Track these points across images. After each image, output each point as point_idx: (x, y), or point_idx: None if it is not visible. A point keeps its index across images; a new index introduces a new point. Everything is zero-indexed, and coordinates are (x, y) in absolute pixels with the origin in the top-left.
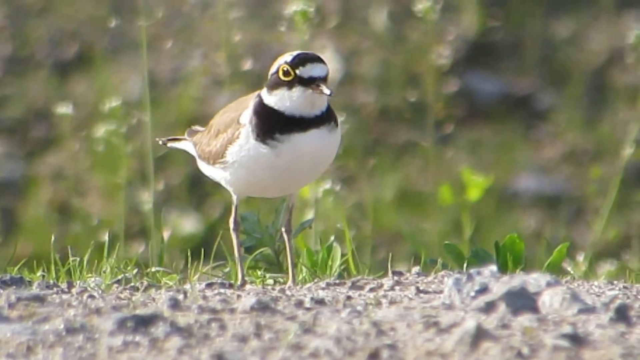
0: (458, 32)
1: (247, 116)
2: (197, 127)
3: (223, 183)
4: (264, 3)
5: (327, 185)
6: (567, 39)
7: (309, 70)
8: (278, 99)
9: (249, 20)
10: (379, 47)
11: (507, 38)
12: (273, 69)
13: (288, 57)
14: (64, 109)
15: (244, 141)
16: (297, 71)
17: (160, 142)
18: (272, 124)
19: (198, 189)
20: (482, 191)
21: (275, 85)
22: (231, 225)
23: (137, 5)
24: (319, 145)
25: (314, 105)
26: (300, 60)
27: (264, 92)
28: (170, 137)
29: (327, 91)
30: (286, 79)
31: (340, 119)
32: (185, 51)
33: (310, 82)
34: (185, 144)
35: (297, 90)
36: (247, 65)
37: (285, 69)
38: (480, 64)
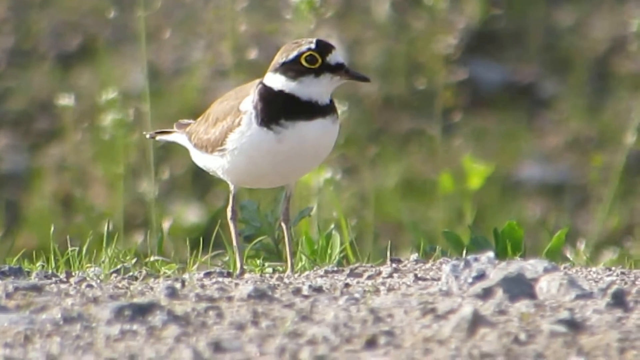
0: (461, 21)
1: (249, 103)
2: (185, 120)
3: (219, 173)
4: None
5: (329, 174)
6: (569, 27)
7: (335, 57)
8: (303, 86)
9: (250, 11)
10: (381, 37)
11: (510, 27)
12: (288, 56)
13: (308, 44)
14: (66, 100)
15: (245, 128)
16: (327, 58)
17: (148, 136)
18: (279, 110)
19: (202, 179)
20: (483, 179)
21: (299, 72)
22: (229, 214)
23: None
24: (321, 134)
25: (330, 92)
26: (326, 48)
27: (270, 79)
28: (158, 130)
29: (367, 78)
30: (312, 66)
31: (343, 108)
32: (187, 42)
33: (338, 69)
34: (176, 136)
35: (324, 77)
36: (252, 55)
37: (310, 55)
38: (483, 53)
